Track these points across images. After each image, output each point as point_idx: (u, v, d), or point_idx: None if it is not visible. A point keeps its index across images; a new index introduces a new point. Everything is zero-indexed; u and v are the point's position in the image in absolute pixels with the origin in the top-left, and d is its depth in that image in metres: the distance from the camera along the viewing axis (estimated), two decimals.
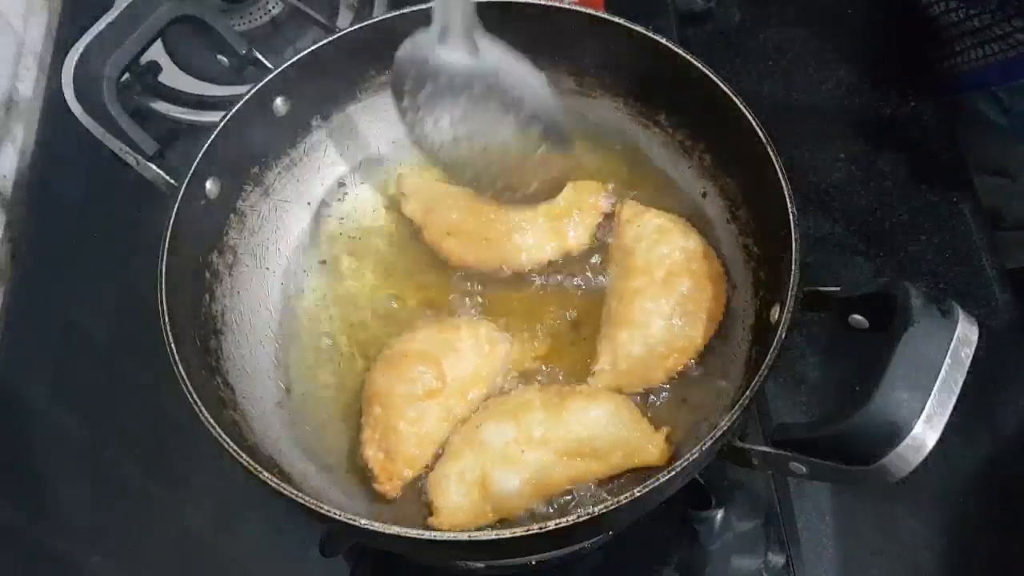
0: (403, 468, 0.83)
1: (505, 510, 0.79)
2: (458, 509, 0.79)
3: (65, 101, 0.84)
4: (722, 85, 0.86)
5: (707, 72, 0.87)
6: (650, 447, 0.80)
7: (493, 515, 0.79)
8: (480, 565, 0.94)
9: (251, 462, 0.69)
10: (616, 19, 0.91)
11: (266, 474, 0.69)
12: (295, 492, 0.68)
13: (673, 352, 0.86)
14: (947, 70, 1.21)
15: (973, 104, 1.21)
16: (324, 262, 0.99)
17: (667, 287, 0.87)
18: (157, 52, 1.25)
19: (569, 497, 0.81)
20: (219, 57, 0.98)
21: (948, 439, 0.59)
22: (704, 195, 0.96)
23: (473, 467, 0.80)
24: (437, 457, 0.84)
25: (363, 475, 0.84)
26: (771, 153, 0.81)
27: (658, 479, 0.66)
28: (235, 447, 0.70)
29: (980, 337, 0.63)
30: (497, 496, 0.78)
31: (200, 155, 0.85)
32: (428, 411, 0.84)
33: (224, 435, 0.71)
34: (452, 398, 0.86)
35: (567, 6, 0.93)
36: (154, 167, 0.85)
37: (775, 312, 0.78)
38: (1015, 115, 1.16)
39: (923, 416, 0.59)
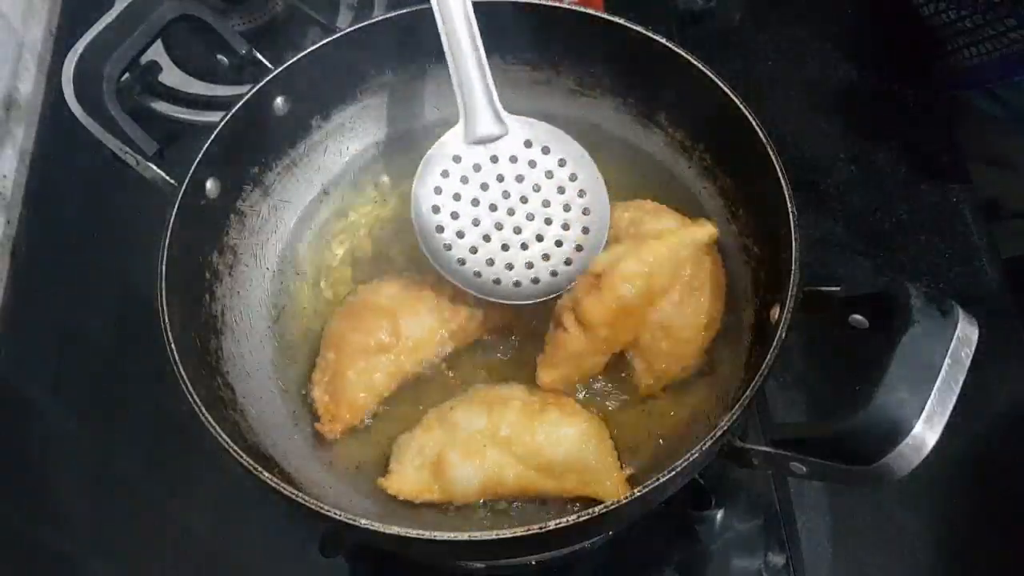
0: (345, 413, 0.86)
1: (450, 493, 0.80)
2: (408, 478, 0.81)
3: (65, 101, 0.84)
4: (722, 85, 0.86)
5: (707, 72, 0.87)
6: (607, 482, 0.79)
7: (439, 495, 0.80)
8: (480, 565, 0.94)
9: (251, 462, 0.69)
10: (616, 19, 0.91)
11: (266, 474, 0.69)
12: (295, 492, 0.68)
13: (698, 335, 0.86)
14: (942, 68, 1.21)
15: (969, 98, 1.20)
16: (323, 261, 0.99)
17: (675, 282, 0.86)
18: (157, 52, 1.25)
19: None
20: (219, 57, 0.98)
21: (948, 438, 0.59)
22: (704, 194, 0.96)
23: (435, 444, 0.81)
24: (379, 409, 0.88)
25: (363, 474, 0.84)
26: (771, 153, 0.81)
27: (658, 479, 0.66)
28: (235, 447, 0.70)
29: (980, 337, 0.63)
30: (446, 478, 0.80)
31: (200, 155, 0.85)
32: (377, 364, 0.87)
33: (224, 435, 0.71)
34: (403, 355, 0.88)
35: (567, 6, 0.93)
36: (154, 167, 0.85)
37: (775, 312, 0.78)
38: (1011, 108, 1.16)
39: (923, 416, 0.59)
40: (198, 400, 0.72)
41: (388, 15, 0.94)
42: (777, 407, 1.00)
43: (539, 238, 0.87)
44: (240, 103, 0.89)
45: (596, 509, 0.65)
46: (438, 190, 0.86)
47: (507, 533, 0.65)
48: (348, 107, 1.02)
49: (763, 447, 0.69)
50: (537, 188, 0.87)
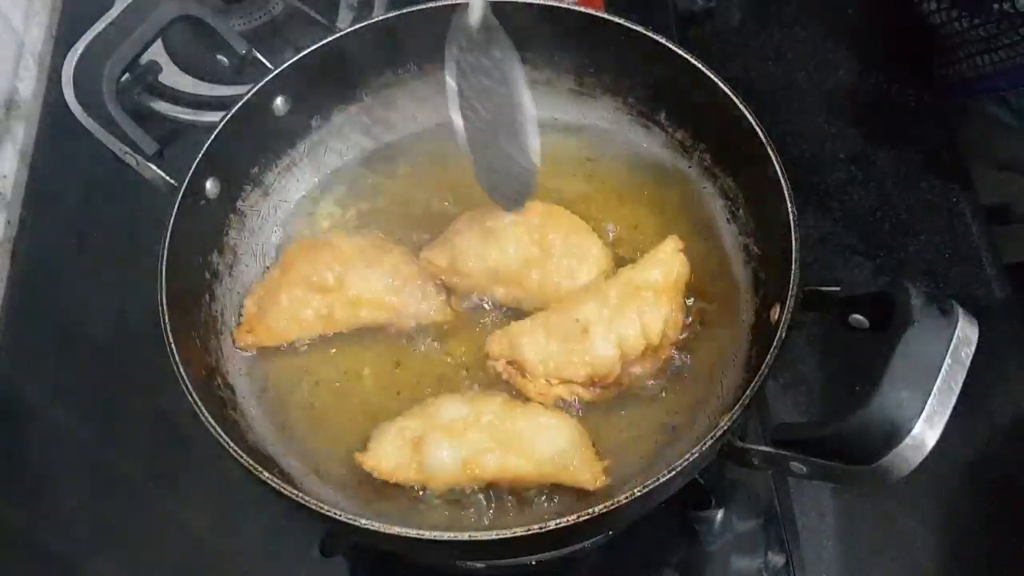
0: (263, 333, 0.89)
1: (429, 474, 0.80)
2: (387, 456, 0.81)
3: (65, 101, 0.84)
4: (722, 85, 0.86)
5: (707, 72, 0.87)
6: (586, 470, 0.79)
7: (415, 474, 0.80)
8: (480, 565, 0.94)
9: (251, 462, 0.69)
10: (616, 19, 0.91)
11: (266, 474, 0.69)
12: (296, 492, 0.68)
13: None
14: (951, 74, 1.21)
15: (979, 103, 1.20)
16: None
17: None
18: (157, 52, 1.25)
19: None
20: (219, 57, 0.98)
21: (948, 438, 0.59)
22: (704, 194, 0.96)
23: (417, 426, 0.82)
24: (299, 343, 0.90)
25: (364, 475, 0.84)
26: (771, 153, 0.81)
27: (658, 479, 0.66)
28: (235, 447, 0.70)
29: (980, 336, 0.63)
30: (426, 458, 0.80)
31: (200, 155, 0.85)
32: (311, 301, 0.89)
33: (224, 435, 0.71)
34: (339, 304, 0.89)
35: (567, 6, 0.93)
36: (154, 167, 0.85)
37: (775, 312, 0.78)
38: (1022, 115, 1.16)
39: (923, 416, 0.59)
40: (198, 400, 0.72)
41: (388, 15, 0.94)
42: (777, 407, 1.00)
43: None
44: (240, 103, 0.89)
45: (596, 509, 0.65)
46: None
47: (507, 533, 0.65)
48: (348, 107, 1.02)
49: (763, 447, 0.69)
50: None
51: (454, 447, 0.79)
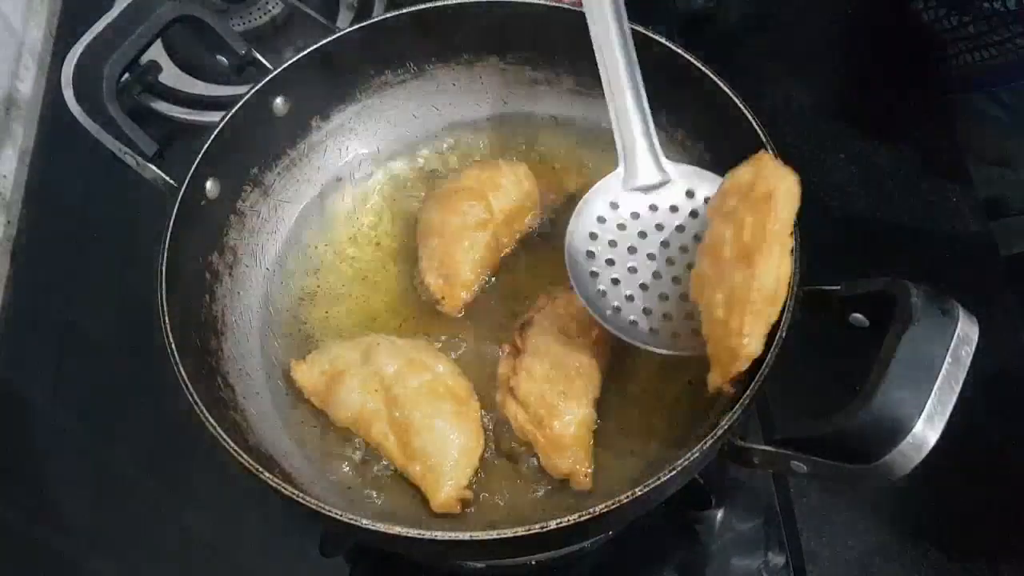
0: (460, 291, 0.91)
1: (327, 408, 0.86)
2: (310, 375, 0.86)
3: (65, 101, 0.84)
4: (722, 85, 0.86)
5: (707, 72, 0.87)
6: (442, 489, 0.79)
7: (320, 404, 0.86)
8: (480, 565, 0.94)
9: (253, 463, 0.69)
10: None
11: (268, 475, 0.69)
12: (297, 493, 0.68)
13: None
14: (943, 72, 1.21)
15: (971, 99, 1.21)
16: (324, 262, 0.99)
17: None
18: (157, 52, 1.25)
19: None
20: (219, 57, 0.98)
21: (949, 437, 0.59)
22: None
23: (347, 362, 0.86)
24: (487, 282, 0.94)
25: (364, 474, 0.84)
26: (771, 153, 0.81)
27: (659, 478, 0.66)
28: (236, 448, 0.70)
29: (980, 335, 0.63)
30: (331, 395, 0.85)
31: (200, 156, 0.85)
32: (479, 240, 0.92)
33: (225, 436, 0.71)
34: (499, 228, 0.94)
35: (567, 6, 0.93)
36: (154, 167, 0.85)
37: None
38: (1013, 110, 1.16)
39: (924, 415, 0.59)
40: (199, 401, 0.72)
41: (388, 15, 0.94)
42: (777, 406, 1.00)
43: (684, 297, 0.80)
44: (240, 103, 0.89)
45: (597, 509, 0.65)
46: (593, 236, 0.83)
47: (508, 533, 0.65)
48: (348, 107, 1.02)
49: (763, 446, 0.69)
50: (699, 239, 0.79)
51: (355, 402, 0.84)
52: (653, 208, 0.84)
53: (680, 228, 0.83)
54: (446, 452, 0.81)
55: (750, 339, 0.69)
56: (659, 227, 0.84)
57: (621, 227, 0.84)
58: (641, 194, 0.84)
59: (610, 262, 0.82)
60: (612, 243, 0.83)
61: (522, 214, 0.96)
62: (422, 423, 0.81)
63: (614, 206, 0.84)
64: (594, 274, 0.82)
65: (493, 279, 0.95)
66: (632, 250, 0.83)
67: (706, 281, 0.73)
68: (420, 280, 0.93)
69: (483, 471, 0.84)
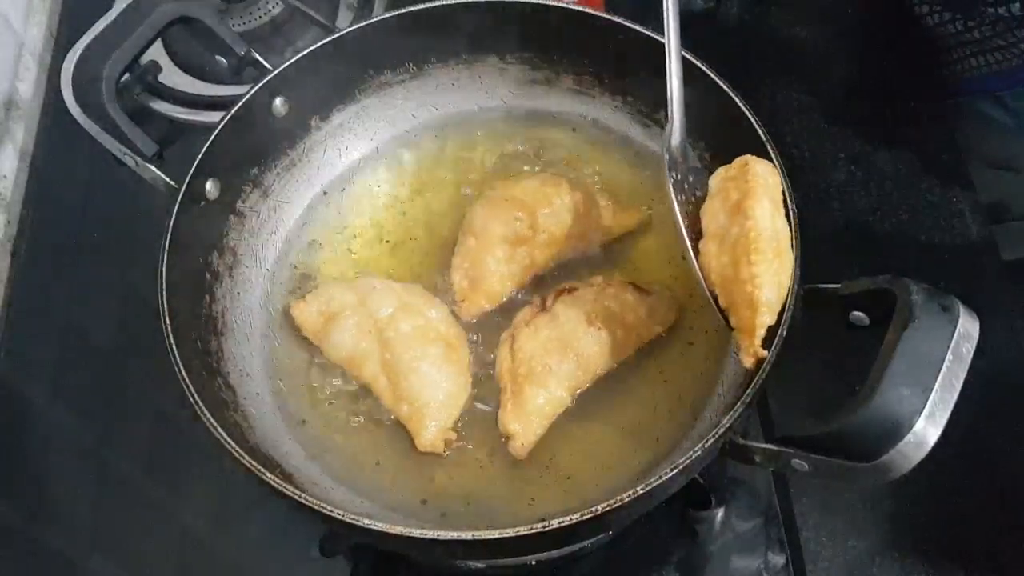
0: (481, 299, 0.90)
1: (322, 346, 0.88)
2: (308, 314, 0.89)
3: (65, 101, 0.84)
4: (722, 85, 0.86)
5: (707, 72, 0.87)
6: (426, 429, 0.82)
7: (315, 340, 0.89)
8: (480, 565, 0.94)
9: (254, 463, 0.69)
10: (616, 19, 0.91)
11: (269, 475, 0.69)
12: (297, 493, 0.68)
13: None
14: (947, 76, 1.21)
15: (975, 103, 1.21)
16: (324, 262, 0.99)
17: None
18: (157, 52, 1.25)
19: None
20: (218, 58, 0.98)
21: (949, 436, 0.59)
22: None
23: (344, 303, 0.88)
24: (512, 299, 0.91)
25: (369, 474, 0.84)
26: (771, 152, 0.81)
27: (660, 477, 0.66)
28: (237, 448, 0.70)
29: (980, 333, 0.63)
30: (326, 334, 0.87)
31: (200, 156, 0.85)
32: (515, 255, 0.91)
33: (226, 436, 0.71)
34: (538, 249, 0.91)
35: (567, 6, 0.93)
36: (153, 168, 0.85)
37: None
38: (1017, 115, 1.16)
39: (925, 413, 0.59)
40: (200, 402, 0.72)
41: (388, 15, 0.94)
42: (778, 405, 1.00)
43: None
44: (239, 103, 0.89)
45: (597, 508, 0.65)
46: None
47: (508, 533, 0.65)
48: (348, 107, 1.02)
49: (764, 444, 0.69)
50: None
51: (349, 341, 0.86)
52: None
53: None
54: (433, 394, 0.83)
55: (760, 280, 0.70)
56: None
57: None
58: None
59: None
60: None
61: (567, 242, 0.93)
62: (410, 365, 0.84)
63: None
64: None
65: (520, 295, 0.92)
66: None
67: (712, 257, 0.75)
68: (447, 274, 0.93)
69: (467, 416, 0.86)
